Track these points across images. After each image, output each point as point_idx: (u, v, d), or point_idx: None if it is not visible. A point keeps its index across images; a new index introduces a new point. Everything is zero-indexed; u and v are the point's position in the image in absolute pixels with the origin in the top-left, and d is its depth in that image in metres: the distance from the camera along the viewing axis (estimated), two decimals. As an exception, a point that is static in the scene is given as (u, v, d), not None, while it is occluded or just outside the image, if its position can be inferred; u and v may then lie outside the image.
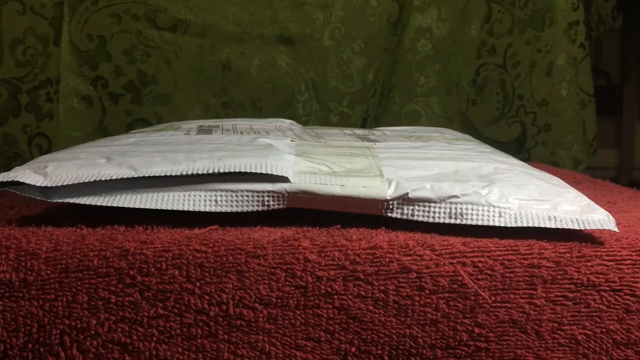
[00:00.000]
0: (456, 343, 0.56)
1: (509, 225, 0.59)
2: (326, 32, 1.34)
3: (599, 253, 0.57)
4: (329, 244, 0.56)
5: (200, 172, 0.62)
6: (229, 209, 0.61)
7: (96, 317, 0.54)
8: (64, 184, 0.60)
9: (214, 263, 0.55)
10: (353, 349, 0.55)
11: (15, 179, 0.60)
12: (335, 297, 0.55)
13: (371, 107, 1.38)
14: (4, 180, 0.60)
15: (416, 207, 0.60)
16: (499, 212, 0.59)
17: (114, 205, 0.60)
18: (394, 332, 0.55)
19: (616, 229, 0.59)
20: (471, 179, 0.63)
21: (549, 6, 1.39)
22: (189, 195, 0.61)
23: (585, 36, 1.40)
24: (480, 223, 0.59)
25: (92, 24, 1.28)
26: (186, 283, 0.54)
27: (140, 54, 1.29)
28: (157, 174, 0.61)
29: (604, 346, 0.57)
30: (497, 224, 0.59)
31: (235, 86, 1.33)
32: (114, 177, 0.61)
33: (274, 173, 0.61)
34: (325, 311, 0.55)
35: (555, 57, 1.39)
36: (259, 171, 0.61)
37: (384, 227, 0.60)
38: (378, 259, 0.55)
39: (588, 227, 0.58)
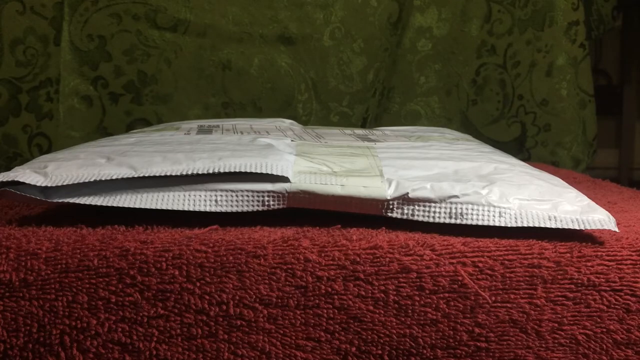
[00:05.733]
0: (456, 343, 0.56)
1: (509, 225, 0.58)
2: (326, 32, 1.34)
3: (599, 253, 0.57)
4: (329, 244, 0.56)
5: (200, 172, 0.62)
6: (229, 209, 0.61)
7: (96, 317, 0.54)
8: (64, 183, 0.60)
9: (214, 263, 0.55)
10: (353, 349, 0.55)
11: (16, 179, 0.60)
12: (336, 297, 0.55)
13: (371, 107, 1.38)
14: (4, 180, 0.60)
15: (416, 207, 0.60)
16: (499, 212, 0.59)
17: (114, 205, 0.60)
18: (394, 332, 0.55)
19: (616, 229, 0.58)
20: (471, 179, 0.63)
21: (549, 6, 1.39)
22: (189, 195, 0.61)
23: (585, 36, 1.40)
24: (480, 223, 0.59)
25: (92, 24, 1.28)
26: (186, 283, 0.54)
27: (141, 54, 1.29)
28: (157, 174, 0.61)
29: (604, 346, 0.57)
30: (497, 224, 0.59)
31: (235, 86, 1.33)
32: (114, 177, 0.61)
33: (274, 173, 0.61)
34: (325, 311, 0.55)
35: (555, 57, 1.39)
36: (259, 171, 0.61)
37: (384, 227, 0.60)
38: (378, 259, 0.55)
39: (588, 227, 0.58)
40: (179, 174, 0.61)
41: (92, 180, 0.61)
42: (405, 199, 0.60)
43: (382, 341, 0.55)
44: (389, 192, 0.61)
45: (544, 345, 0.56)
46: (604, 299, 0.56)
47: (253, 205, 0.61)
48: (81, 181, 0.60)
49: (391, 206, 0.61)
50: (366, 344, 0.56)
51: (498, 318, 0.56)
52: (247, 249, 0.55)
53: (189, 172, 0.62)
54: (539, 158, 1.41)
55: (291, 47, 1.34)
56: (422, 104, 1.41)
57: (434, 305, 0.55)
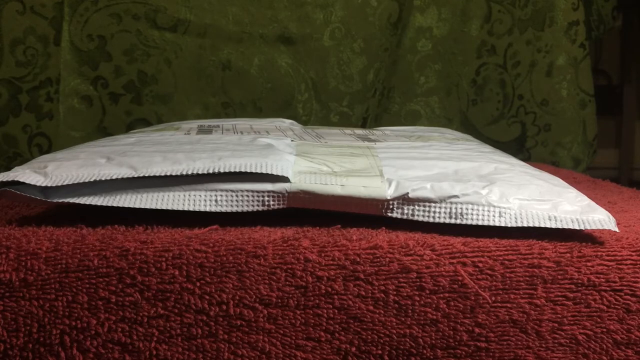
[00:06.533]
0: (456, 343, 0.56)
1: (509, 225, 0.58)
2: (326, 32, 1.34)
3: (599, 253, 0.57)
4: (329, 244, 0.56)
5: (200, 172, 0.62)
6: (229, 209, 0.61)
7: (96, 317, 0.54)
8: (64, 183, 0.60)
9: (214, 263, 0.55)
10: (353, 349, 0.55)
11: (16, 179, 0.60)
12: (336, 297, 0.55)
13: (371, 107, 1.38)
14: (4, 180, 0.60)
15: (416, 207, 0.60)
16: (499, 212, 0.59)
17: (114, 205, 0.60)
18: (394, 332, 0.55)
19: (616, 229, 0.58)
20: (471, 179, 0.63)
21: (549, 6, 1.39)
22: (189, 195, 0.61)
23: (585, 36, 1.40)
24: (480, 223, 0.59)
25: (92, 23, 1.28)
26: (186, 283, 0.54)
27: (141, 54, 1.29)
28: (157, 174, 0.61)
29: (604, 346, 0.57)
30: (497, 224, 0.59)
31: (235, 86, 1.33)
32: (114, 177, 0.61)
33: (274, 173, 0.61)
34: (325, 311, 0.55)
35: (555, 57, 1.39)
36: (259, 171, 0.61)
37: (384, 227, 0.60)
38: (378, 259, 0.55)
39: (588, 227, 0.58)
40: (179, 174, 0.61)
41: (92, 180, 0.61)
42: (405, 199, 0.60)
43: (382, 341, 0.55)
44: (389, 192, 0.61)
45: (544, 345, 0.56)
46: (604, 299, 0.56)
47: (253, 205, 0.61)
48: (81, 181, 0.60)
49: (391, 206, 0.61)
50: (366, 344, 0.55)
51: (498, 318, 0.56)
52: (247, 249, 0.55)
53: (189, 172, 0.62)
54: (539, 158, 1.41)
55: (291, 47, 1.34)
56: (422, 104, 1.41)
57: (434, 305, 0.55)
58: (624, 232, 0.60)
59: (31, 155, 1.26)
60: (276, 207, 0.61)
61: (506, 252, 0.56)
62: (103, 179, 0.61)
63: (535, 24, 1.40)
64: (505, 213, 0.59)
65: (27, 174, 0.61)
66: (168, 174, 0.61)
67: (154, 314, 0.54)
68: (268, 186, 0.61)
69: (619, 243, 0.58)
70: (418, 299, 0.55)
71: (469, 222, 0.59)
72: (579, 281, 0.56)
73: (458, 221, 0.59)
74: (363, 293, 0.55)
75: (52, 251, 0.54)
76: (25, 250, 0.54)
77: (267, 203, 0.61)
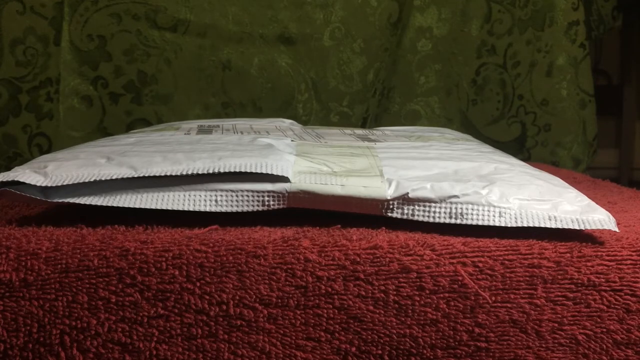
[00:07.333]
0: (456, 343, 0.56)
1: (509, 225, 0.58)
2: (326, 32, 1.34)
3: (599, 253, 0.57)
4: (329, 244, 0.56)
5: (200, 172, 0.62)
6: (229, 209, 0.61)
7: (96, 317, 0.54)
8: (64, 183, 0.60)
9: (214, 263, 0.55)
10: (353, 349, 0.55)
11: (16, 179, 0.60)
12: (336, 297, 0.55)
13: (371, 107, 1.38)
14: (4, 180, 0.60)
15: (416, 207, 0.60)
16: (499, 212, 0.59)
17: (114, 205, 0.60)
18: (394, 332, 0.55)
19: (616, 229, 0.58)
20: (471, 179, 0.63)
21: (549, 6, 1.39)
22: (189, 195, 0.61)
23: (585, 36, 1.40)
24: (480, 223, 0.59)
25: (92, 23, 1.28)
26: (186, 283, 0.54)
27: (140, 54, 1.29)
28: (157, 174, 0.61)
29: (604, 346, 0.57)
30: (497, 224, 0.59)
31: (235, 86, 1.33)
32: (114, 177, 0.61)
33: (274, 173, 0.61)
34: (325, 311, 0.55)
35: (556, 57, 1.39)
36: (259, 171, 0.61)
37: (384, 227, 0.60)
38: (378, 259, 0.55)
39: (588, 227, 0.58)
40: (179, 174, 0.61)
41: (92, 180, 0.61)
42: (405, 199, 0.60)
43: (382, 341, 0.55)
44: (389, 192, 0.61)
45: (544, 345, 0.56)
46: (604, 299, 0.56)
47: (253, 205, 0.61)
48: (81, 181, 0.60)
49: (391, 206, 0.61)
50: (366, 344, 0.55)
51: (498, 318, 0.56)
52: (247, 249, 0.55)
53: (189, 172, 0.62)
54: (539, 158, 1.41)
55: (291, 47, 1.34)
56: (422, 104, 1.41)
57: (434, 305, 0.55)
58: (624, 232, 0.60)
59: (31, 155, 1.26)
60: (276, 207, 0.61)
61: (506, 252, 0.56)
62: (103, 179, 0.61)
63: (535, 24, 1.40)
64: (505, 213, 0.59)
65: (27, 174, 0.61)
66: (168, 174, 0.61)
67: (154, 314, 0.54)
68: (268, 186, 0.61)
69: (619, 243, 0.58)
70: (418, 299, 0.55)
71: (469, 222, 0.59)
72: (579, 281, 0.56)
73: (458, 221, 0.59)
74: (363, 293, 0.55)
75: (52, 251, 0.54)
76: (25, 250, 0.54)
77: (267, 203, 0.61)
